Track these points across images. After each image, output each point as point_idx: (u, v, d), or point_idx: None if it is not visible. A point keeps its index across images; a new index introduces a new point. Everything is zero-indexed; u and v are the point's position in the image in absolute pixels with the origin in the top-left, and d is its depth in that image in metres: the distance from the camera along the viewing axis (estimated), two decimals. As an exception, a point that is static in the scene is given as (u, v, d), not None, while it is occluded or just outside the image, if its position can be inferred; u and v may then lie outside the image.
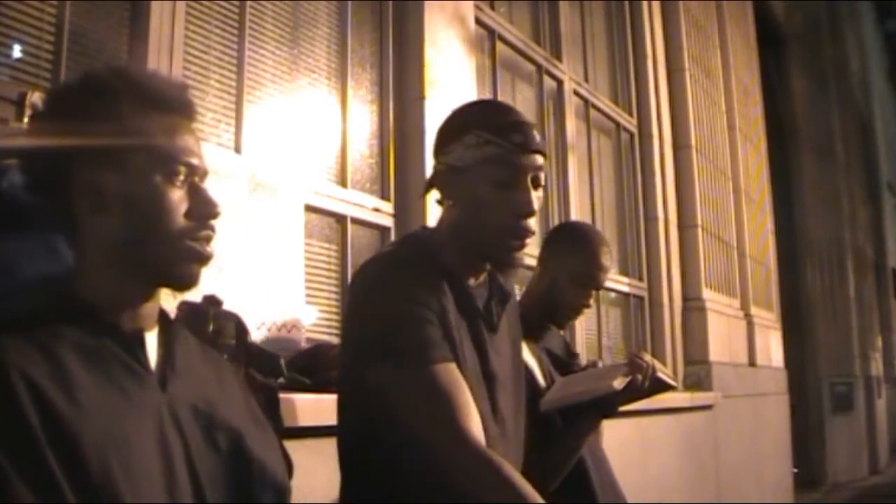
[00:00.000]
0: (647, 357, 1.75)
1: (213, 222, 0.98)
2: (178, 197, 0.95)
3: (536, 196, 1.34)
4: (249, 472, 0.99)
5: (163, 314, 1.02)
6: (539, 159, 1.34)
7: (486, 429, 1.27)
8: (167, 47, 2.07)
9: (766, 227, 7.01)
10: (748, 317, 6.05)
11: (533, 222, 1.33)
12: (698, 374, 5.00)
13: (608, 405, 1.75)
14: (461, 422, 1.19)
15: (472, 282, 1.38)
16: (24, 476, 0.76)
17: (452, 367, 1.23)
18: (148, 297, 0.97)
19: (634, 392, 1.73)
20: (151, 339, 0.97)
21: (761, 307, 6.46)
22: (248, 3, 2.40)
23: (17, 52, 1.81)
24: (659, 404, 4.31)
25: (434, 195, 1.43)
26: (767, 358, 6.41)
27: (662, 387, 1.80)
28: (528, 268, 3.54)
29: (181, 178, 0.96)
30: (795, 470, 7.00)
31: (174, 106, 0.98)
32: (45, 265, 0.97)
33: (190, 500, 0.91)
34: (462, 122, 1.37)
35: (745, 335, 5.95)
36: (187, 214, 0.95)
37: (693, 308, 5.11)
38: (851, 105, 10.59)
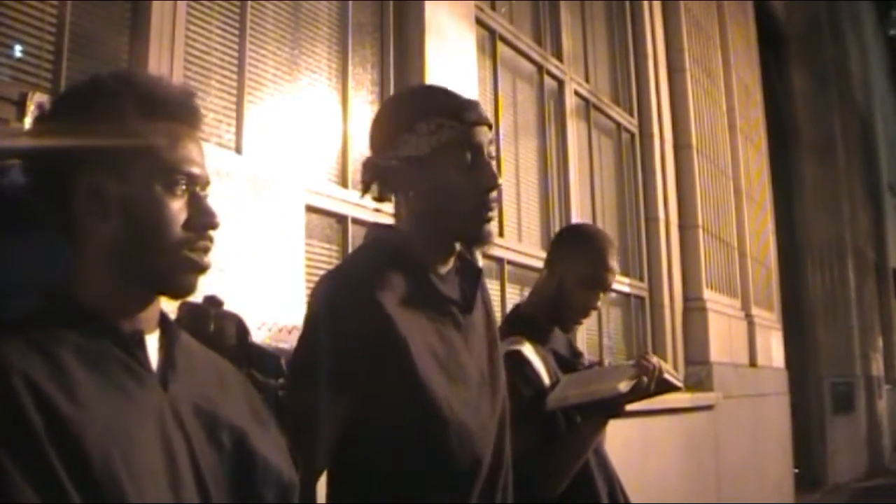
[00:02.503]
0: (654, 359, 1.74)
1: (212, 233, 0.99)
2: (177, 207, 0.95)
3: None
4: (254, 470, 0.99)
5: (164, 316, 1.02)
6: (489, 131, 1.36)
7: (446, 424, 1.26)
8: (168, 47, 2.07)
9: (767, 227, 7.01)
10: (749, 317, 6.05)
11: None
12: (699, 374, 5.00)
13: (614, 406, 1.75)
14: (310, 461, 1.22)
15: (442, 270, 1.37)
16: (26, 475, 0.77)
17: (333, 404, 1.25)
18: (148, 301, 0.98)
19: (640, 393, 1.73)
20: (152, 341, 0.98)
21: (762, 307, 6.46)
22: (249, 3, 2.40)
23: (17, 52, 1.81)
24: (660, 405, 4.31)
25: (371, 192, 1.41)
26: (768, 358, 6.41)
27: (668, 387, 1.79)
28: (534, 269, 3.51)
29: (181, 187, 0.96)
30: (796, 470, 7.00)
31: (178, 113, 0.98)
32: (43, 266, 0.98)
33: (194, 498, 0.91)
34: (408, 111, 1.35)
35: (745, 335, 5.95)
36: (186, 225, 0.96)
37: (694, 308, 5.11)
38: (852, 105, 10.59)
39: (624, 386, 1.68)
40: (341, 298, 1.27)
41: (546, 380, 1.82)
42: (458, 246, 1.38)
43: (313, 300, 1.33)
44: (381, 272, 1.29)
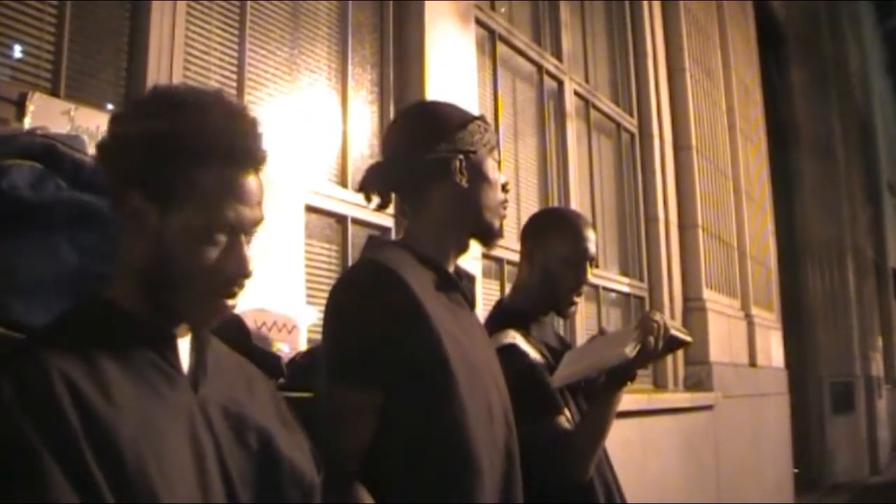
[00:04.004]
0: (658, 316, 1.69)
1: (244, 280, 0.99)
2: (211, 253, 0.95)
3: None
4: (279, 471, 1.02)
5: None
6: None
7: (476, 423, 1.30)
8: (167, 47, 2.07)
9: (767, 227, 7.01)
10: (748, 317, 6.05)
11: None
12: (699, 374, 5.00)
13: (625, 371, 1.69)
14: (348, 453, 1.25)
15: (451, 270, 1.45)
16: (64, 471, 0.80)
17: (369, 396, 1.28)
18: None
19: (649, 354, 1.66)
20: (184, 344, 1.01)
21: (761, 307, 6.46)
22: (249, 3, 2.40)
23: (17, 52, 1.81)
24: (659, 404, 4.32)
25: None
26: (768, 358, 6.41)
27: (678, 344, 1.74)
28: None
29: (220, 236, 0.96)
30: (796, 470, 7.00)
31: (238, 155, 0.97)
32: (47, 266, 0.98)
33: (222, 498, 0.94)
34: (457, 113, 1.49)
35: (745, 335, 5.95)
36: (218, 269, 0.96)
37: (693, 308, 5.11)
38: (851, 105, 10.59)
39: (630, 350, 1.62)
40: (369, 284, 1.32)
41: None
42: (469, 245, 1.48)
43: (340, 290, 1.37)
44: (403, 262, 1.36)
